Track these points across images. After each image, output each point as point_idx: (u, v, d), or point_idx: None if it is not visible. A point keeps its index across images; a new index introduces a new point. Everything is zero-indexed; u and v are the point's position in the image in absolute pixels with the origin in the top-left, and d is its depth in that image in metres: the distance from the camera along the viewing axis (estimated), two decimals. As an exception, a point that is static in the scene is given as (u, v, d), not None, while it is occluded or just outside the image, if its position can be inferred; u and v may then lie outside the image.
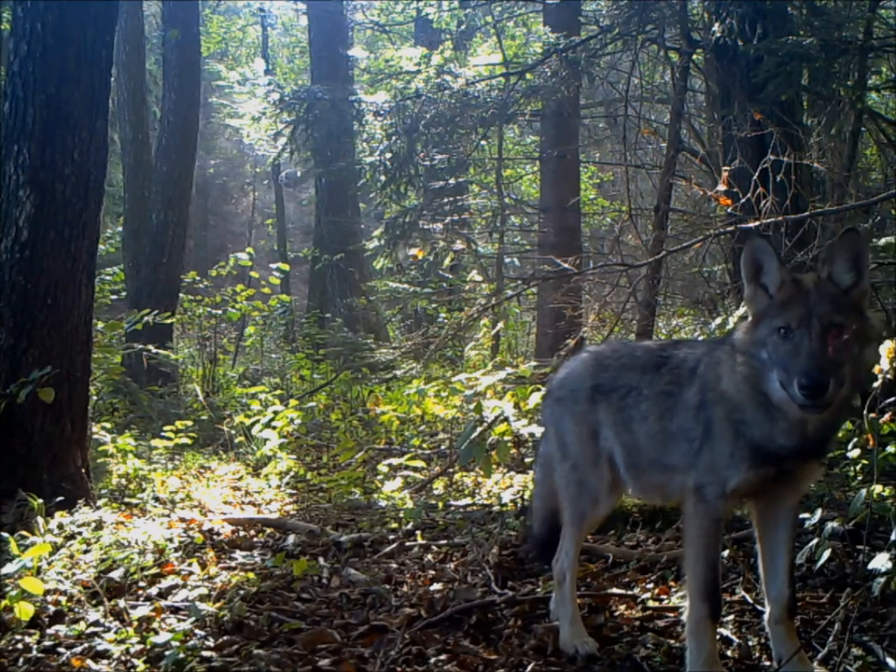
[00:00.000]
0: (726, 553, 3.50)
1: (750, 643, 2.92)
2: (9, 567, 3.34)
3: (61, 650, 3.01)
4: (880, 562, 2.84)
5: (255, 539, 4.64)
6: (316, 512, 5.32)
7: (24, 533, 3.93)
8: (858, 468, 4.06)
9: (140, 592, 3.61)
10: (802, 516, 3.10)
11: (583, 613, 3.23)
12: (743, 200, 5.83)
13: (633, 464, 2.94)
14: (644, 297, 7.13)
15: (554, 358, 7.46)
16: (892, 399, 3.66)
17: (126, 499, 5.13)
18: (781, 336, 2.40)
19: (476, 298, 9.02)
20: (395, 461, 5.95)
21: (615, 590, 3.55)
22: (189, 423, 6.94)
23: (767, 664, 2.77)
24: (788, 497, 2.71)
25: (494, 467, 5.30)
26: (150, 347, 8.40)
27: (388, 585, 3.77)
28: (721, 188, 5.98)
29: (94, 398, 7.16)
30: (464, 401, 5.85)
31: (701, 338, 6.17)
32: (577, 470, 3.04)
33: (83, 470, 4.84)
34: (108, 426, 6.59)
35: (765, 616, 2.78)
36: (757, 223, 5.57)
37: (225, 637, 3.15)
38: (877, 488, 3.24)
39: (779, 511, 2.73)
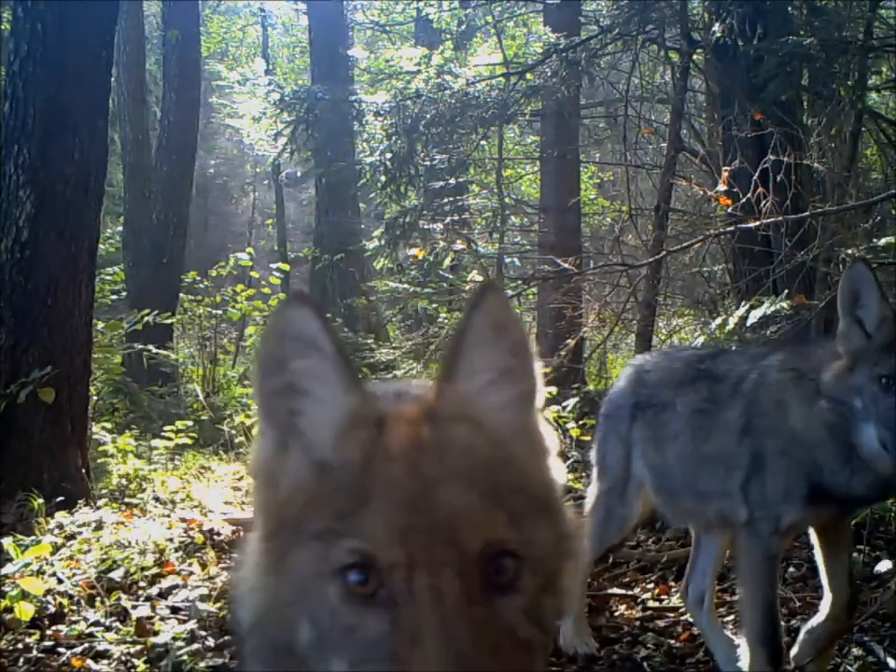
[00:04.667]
0: (729, 553, 3.50)
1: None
2: (10, 567, 3.35)
3: (61, 649, 3.01)
4: (885, 566, 2.84)
5: (255, 540, 4.63)
6: (317, 512, 5.31)
7: (25, 533, 3.93)
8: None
9: (140, 592, 3.61)
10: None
11: (584, 613, 3.23)
12: (743, 200, 5.83)
13: (663, 488, 2.74)
14: (644, 297, 7.13)
15: (555, 358, 7.46)
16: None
17: (126, 499, 5.13)
18: (883, 387, 2.14)
19: (476, 298, 8.99)
20: (395, 461, 5.94)
21: (615, 590, 3.55)
22: (190, 423, 6.93)
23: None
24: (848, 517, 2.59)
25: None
26: (151, 347, 8.40)
27: (388, 585, 3.75)
28: (722, 188, 5.99)
29: (94, 398, 7.16)
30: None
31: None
32: (609, 495, 2.88)
33: (83, 470, 4.84)
34: (108, 426, 6.59)
35: (820, 615, 2.61)
36: (757, 223, 5.57)
37: (226, 638, 3.15)
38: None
39: (839, 524, 2.59)
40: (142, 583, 3.69)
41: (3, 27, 9.02)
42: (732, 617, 3.12)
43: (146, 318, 8.15)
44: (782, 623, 2.91)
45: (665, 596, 3.43)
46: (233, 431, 7.38)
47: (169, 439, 6.36)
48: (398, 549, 0.92)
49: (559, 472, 1.11)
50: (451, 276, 10.72)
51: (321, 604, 0.95)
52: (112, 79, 5.23)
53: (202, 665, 2.86)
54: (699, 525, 2.92)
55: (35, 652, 2.97)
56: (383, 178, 8.56)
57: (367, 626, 0.92)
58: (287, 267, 11.54)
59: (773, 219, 5.58)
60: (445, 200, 9.51)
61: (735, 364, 2.62)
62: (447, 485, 0.95)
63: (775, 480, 2.40)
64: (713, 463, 2.55)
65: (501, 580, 0.94)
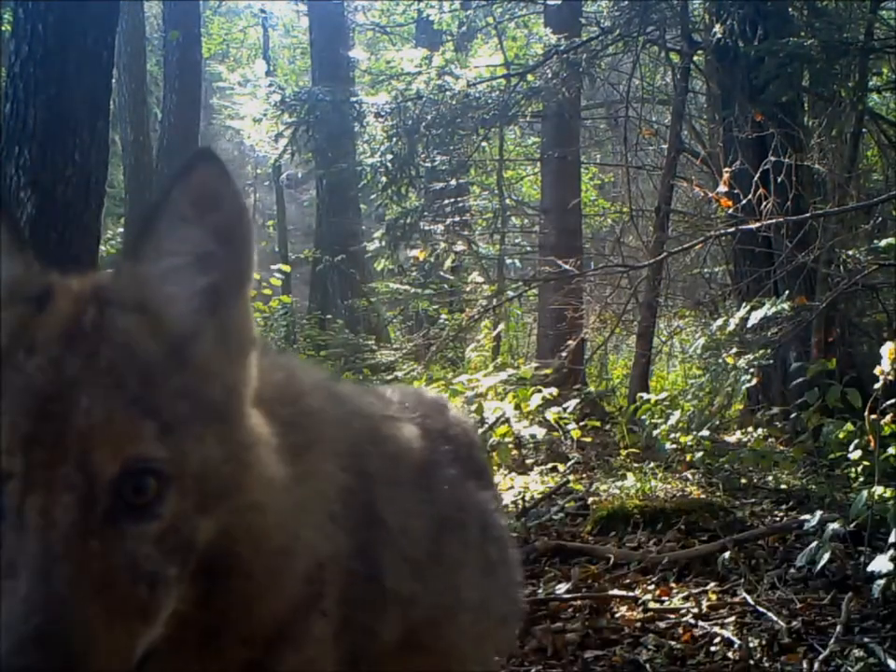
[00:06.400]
0: (727, 554, 3.50)
1: (751, 644, 2.92)
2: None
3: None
4: (880, 564, 2.84)
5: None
6: (317, 514, 5.31)
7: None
8: (859, 469, 4.05)
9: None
10: (802, 518, 3.10)
11: (585, 615, 3.23)
12: (744, 201, 5.84)
13: None
14: (645, 298, 7.14)
15: (556, 360, 7.47)
16: (893, 400, 3.66)
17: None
18: None
19: (477, 299, 9.03)
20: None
21: (616, 591, 3.54)
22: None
23: (768, 664, 2.77)
24: None
25: (495, 468, 5.30)
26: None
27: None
28: (722, 189, 6.00)
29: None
30: (465, 403, 5.86)
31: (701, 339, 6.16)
32: None
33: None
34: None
35: None
36: (758, 224, 5.58)
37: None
38: (878, 490, 3.24)
39: None
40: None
41: (3, 28, 9.04)
42: (733, 618, 3.12)
43: (146, 319, 8.15)
44: (783, 624, 2.92)
45: (667, 598, 3.42)
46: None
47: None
48: (18, 459, 0.79)
49: (253, 372, 0.96)
50: (452, 278, 10.74)
51: None
52: (113, 80, 5.23)
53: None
54: None
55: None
56: (384, 179, 8.58)
57: None
58: (287, 268, 11.54)
59: (774, 220, 5.59)
60: (446, 201, 9.52)
61: None
62: (88, 390, 0.81)
63: None
64: None
65: (138, 501, 0.82)
